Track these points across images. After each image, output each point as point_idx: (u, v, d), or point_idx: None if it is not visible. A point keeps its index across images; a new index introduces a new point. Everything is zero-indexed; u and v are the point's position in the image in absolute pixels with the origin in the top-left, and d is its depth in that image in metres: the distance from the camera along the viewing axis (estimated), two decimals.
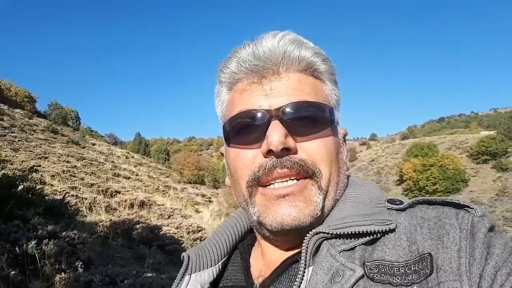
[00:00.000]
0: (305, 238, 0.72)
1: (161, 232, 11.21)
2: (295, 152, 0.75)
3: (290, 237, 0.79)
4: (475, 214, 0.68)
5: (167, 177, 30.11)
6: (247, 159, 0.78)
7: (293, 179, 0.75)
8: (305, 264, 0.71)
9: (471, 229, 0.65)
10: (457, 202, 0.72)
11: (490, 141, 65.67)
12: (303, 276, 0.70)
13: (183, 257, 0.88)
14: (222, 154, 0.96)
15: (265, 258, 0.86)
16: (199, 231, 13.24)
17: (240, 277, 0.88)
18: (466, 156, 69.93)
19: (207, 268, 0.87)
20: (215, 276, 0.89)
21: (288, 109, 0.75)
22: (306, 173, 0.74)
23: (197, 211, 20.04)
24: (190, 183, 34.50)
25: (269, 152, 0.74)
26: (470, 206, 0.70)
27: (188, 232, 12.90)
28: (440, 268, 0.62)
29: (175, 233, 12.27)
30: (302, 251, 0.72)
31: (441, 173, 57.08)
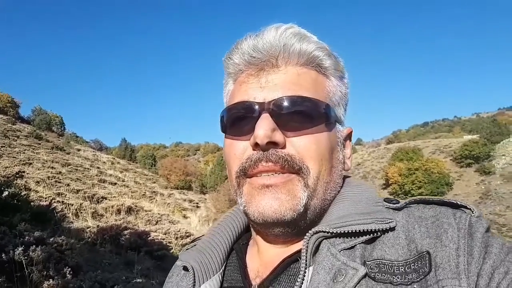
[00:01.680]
0: (305, 237, 0.71)
1: (149, 238, 11.12)
2: (283, 147, 0.73)
3: (276, 231, 0.77)
4: (472, 214, 0.69)
5: (154, 182, 29.86)
6: (238, 150, 0.78)
7: (278, 173, 0.73)
8: (306, 264, 0.69)
9: (469, 228, 0.65)
10: (454, 202, 0.72)
11: (473, 145, 66.66)
12: (304, 276, 0.69)
13: (185, 267, 0.86)
14: None
15: (262, 258, 0.84)
16: (187, 236, 13.17)
17: (237, 277, 0.86)
18: (450, 160, 70.71)
19: (214, 275, 0.85)
20: (221, 281, 0.86)
21: (280, 103, 0.74)
22: (292, 168, 0.73)
23: (184, 216, 19.95)
24: (177, 189, 34.28)
25: (256, 145, 0.73)
26: (467, 207, 0.71)
27: (177, 238, 12.83)
28: (438, 266, 0.62)
29: (163, 239, 12.20)
30: (302, 251, 0.71)
31: (426, 177, 57.69)
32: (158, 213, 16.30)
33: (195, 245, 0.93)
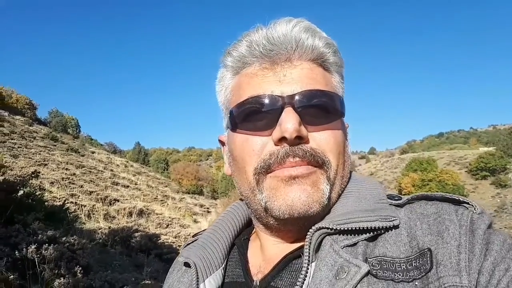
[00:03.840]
0: (308, 233, 0.70)
1: (159, 241, 11.17)
2: (307, 141, 0.73)
3: (295, 226, 0.77)
4: (474, 211, 0.68)
5: (166, 186, 30.02)
6: (257, 146, 0.75)
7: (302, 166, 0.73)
8: (308, 260, 0.69)
9: (471, 225, 0.65)
10: (456, 198, 0.72)
11: (489, 157, 65.67)
12: (307, 272, 0.68)
13: (186, 263, 0.86)
14: (220, 141, 0.94)
15: (264, 253, 0.84)
16: None
17: (238, 273, 0.86)
18: (465, 171, 69.71)
19: (216, 270, 0.84)
20: (223, 276, 0.86)
21: (301, 97, 0.73)
22: (316, 162, 0.73)
23: (195, 221, 19.97)
24: (189, 193, 34.41)
25: (281, 140, 0.72)
26: (470, 203, 0.70)
27: None
28: (439, 263, 0.62)
29: (173, 242, 12.23)
30: (305, 247, 0.70)
31: (440, 189, 56.61)
32: (169, 217, 16.37)
33: (196, 239, 0.93)
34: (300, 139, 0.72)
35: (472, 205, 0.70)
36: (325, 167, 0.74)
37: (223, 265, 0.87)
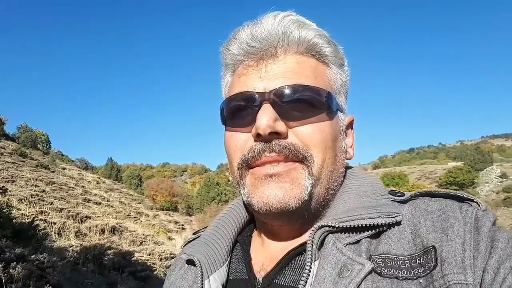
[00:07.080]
0: (310, 231, 0.71)
1: (133, 258, 10.94)
2: (286, 137, 0.73)
3: (281, 221, 0.77)
4: (479, 208, 0.68)
5: (139, 203, 29.49)
6: (239, 142, 0.77)
7: (281, 163, 0.73)
8: (311, 258, 0.68)
9: (475, 223, 0.64)
10: (460, 195, 0.71)
11: (458, 172, 67.93)
12: (310, 270, 0.68)
13: (190, 261, 0.85)
14: None
15: (266, 250, 0.84)
16: (172, 257, 12.97)
17: (242, 270, 0.85)
18: (435, 186, 71.56)
19: (220, 267, 0.84)
20: (227, 273, 0.85)
21: (281, 92, 0.73)
22: (296, 157, 0.72)
23: (169, 238, 19.67)
24: (163, 210, 33.89)
25: (258, 136, 0.72)
26: (474, 200, 0.69)
27: (161, 259, 12.64)
28: (444, 261, 0.61)
29: (147, 260, 11.99)
30: (307, 245, 0.70)
31: None
32: (143, 234, 16.06)
33: (198, 237, 0.93)
34: (277, 135, 0.72)
35: (476, 202, 0.69)
36: (306, 162, 0.73)
37: (227, 262, 0.86)
